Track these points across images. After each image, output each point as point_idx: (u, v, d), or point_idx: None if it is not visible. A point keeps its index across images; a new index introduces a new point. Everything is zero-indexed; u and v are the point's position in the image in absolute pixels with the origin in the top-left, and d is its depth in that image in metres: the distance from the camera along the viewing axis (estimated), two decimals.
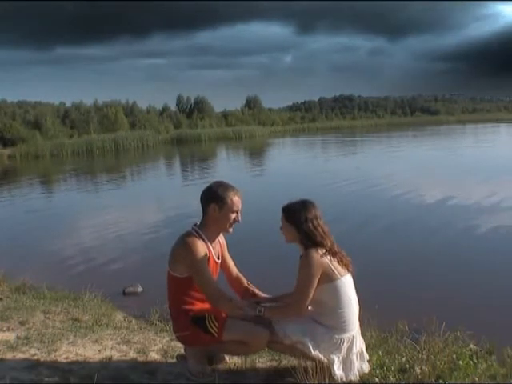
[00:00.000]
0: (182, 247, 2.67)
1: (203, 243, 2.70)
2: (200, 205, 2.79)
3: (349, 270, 2.65)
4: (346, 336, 2.59)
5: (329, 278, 2.56)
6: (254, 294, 2.89)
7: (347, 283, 2.62)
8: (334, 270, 2.56)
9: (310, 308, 2.66)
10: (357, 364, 2.62)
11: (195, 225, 2.78)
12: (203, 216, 2.77)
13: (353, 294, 2.65)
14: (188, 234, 2.72)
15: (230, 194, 2.71)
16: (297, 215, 2.65)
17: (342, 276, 2.59)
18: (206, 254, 2.68)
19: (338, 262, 2.60)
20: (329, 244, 2.60)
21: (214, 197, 2.71)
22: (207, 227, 2.75)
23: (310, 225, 2.61)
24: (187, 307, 2.73)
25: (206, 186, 2.83)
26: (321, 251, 2.57)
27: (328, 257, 2.57)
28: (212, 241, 2.77)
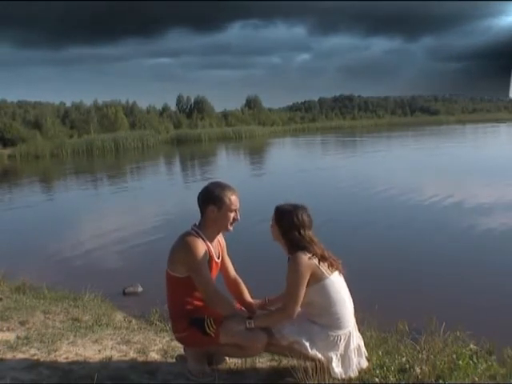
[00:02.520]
0: (182, 247, 2.67)
1: (203, 243, 2.69)
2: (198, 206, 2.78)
3: (339, 270, 2.64)
4: (342, 333, 2.59)
5: (317, 278, 2.55)
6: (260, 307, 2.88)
7: (336, 281, 2.61)
8: (322, 270, 2.56)
9: (302, 309, 2.64)
10: (355, 360, 2.62)
11: (194, 225, 2.78)
12: (202, 217, 2.77)
13: (344, 291, 2.65)
14: (187, 234, 2.72)
15: (227, 194, 2.71)
16: (285, 219, 2.64)
17: (329, 275, 2.58)
18: (205, 254, 2.67)
19: (328, 266, 2.58)
20: (318, 252, 2.57)
21: (211, 198, 2.71)
22: (206, 227, 2.75)
23: (296, 232, 2.60)
24: (186, 308, 2.73)
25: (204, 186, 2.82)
26: (309, 254, 2.56)
27: (316, 260, 2.56)
28: (212, 240, 2.77)
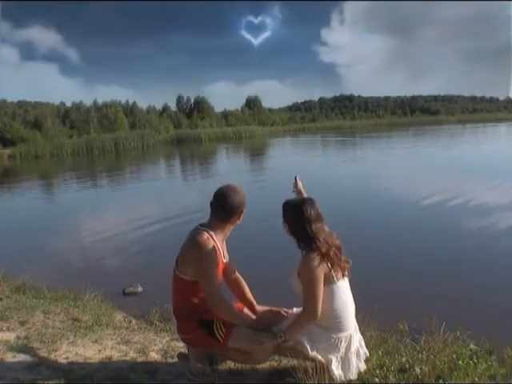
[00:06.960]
0: (195, 247, 2.63)
1: (215, 244, 2.68)
2: (210, 208, 2.75)
3: (344, 274, 2.61)
4: (343, 335, 2.58)
5: (325, 281, 2.53)
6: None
7: (342, 287, 2.59)
8: (332, 273, 2.53)
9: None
10: (354, 363, 2.62)
11: (202, 225, 2.74)
12: (216, 219, 2.72)
13: (348, 297, 2.63)
14: (200, 234, 2.66)
15: (245, 199, 2.76)
16: (290, 214, 2.63)
17: (338, 280, 2.56)
18: (217, 256, 2.66)
19: (334, 265, 2.55)
20: (323, 250, 2.52)
21: (240, 210, 2.73)
22: (218, 229, 2.73)
23: (301, 228, 2.57)
24: (195, 309, 2.72)
25: (213, 191, 2.76)
26: (313, 252, 2.52)
27: (319, 257, 2.52)
28: (221, 242, 2.77)
